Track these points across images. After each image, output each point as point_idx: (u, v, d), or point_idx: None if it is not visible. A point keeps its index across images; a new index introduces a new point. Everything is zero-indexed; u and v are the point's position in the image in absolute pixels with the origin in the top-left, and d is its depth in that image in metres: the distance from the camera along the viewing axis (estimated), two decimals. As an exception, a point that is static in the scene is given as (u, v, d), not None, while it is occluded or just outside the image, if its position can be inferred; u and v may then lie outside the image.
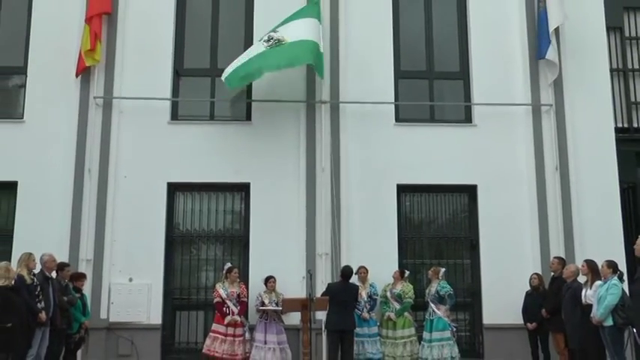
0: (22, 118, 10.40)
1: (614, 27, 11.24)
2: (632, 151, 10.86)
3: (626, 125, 11.05)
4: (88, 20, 10.25)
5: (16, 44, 10.77)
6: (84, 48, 10.18)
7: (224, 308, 9.26)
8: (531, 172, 10.37)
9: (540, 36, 10.49)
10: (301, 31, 9.98)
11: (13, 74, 10.85)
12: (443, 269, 9.65)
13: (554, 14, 10.36)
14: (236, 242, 10.44)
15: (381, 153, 10.38)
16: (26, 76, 10.55)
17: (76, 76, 10.34)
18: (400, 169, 10.34)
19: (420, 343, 9.36)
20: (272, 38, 10.02)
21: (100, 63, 10.39)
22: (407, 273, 9.79)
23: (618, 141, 10.54)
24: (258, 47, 10.03)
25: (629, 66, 11.31)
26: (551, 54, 10.35)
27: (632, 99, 11.21)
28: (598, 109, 10.58)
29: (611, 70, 10.99)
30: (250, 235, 10.17)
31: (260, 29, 10.68)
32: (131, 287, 9.82)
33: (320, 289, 9.43)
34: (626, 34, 11.41)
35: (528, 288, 9.50)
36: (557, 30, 10.56)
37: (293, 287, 9.62)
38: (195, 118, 10.70)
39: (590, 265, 8.27)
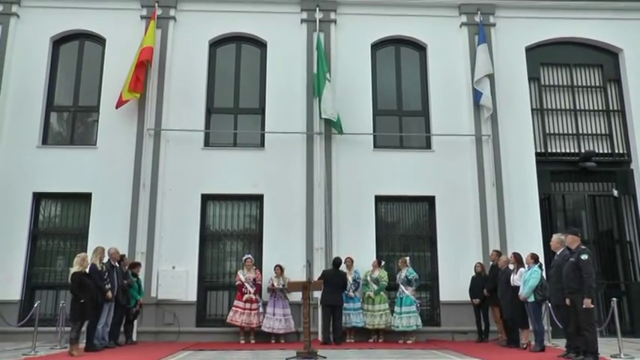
0: (96, 145, 10.52)
1: (533, 77, 11.30)
2: (547, 170, 10.87)
3: (543, 150, 11.04)
4: (138, 65, 10.21)
5: (92, 89, 10.90)
6: (125, 88, 10.12)
7: (243, 289, 9.38)
8: (475, 186, 10.49)
9: (475, 89, 10.72)
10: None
11: (90, 112, 10.94)
12: (407, 257, 9.71)
13: (478, 69, 10.64)
14: (253, 239, 10.40)
15: (362, 172, 10.46)
16: (99, 113, 10.66)
17: (116, 108, 10.24)
18: (377, 183, 10.43)
19: (392, 315, 9.45)
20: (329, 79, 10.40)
21: (152, 103, 10.48)
22: (383, 262, 9.86)
23: (537, 162, 10.74)
24: (332, 90, 10.26)
25: (545, 107, 11.34)
26: (484, 100, 10.57)
27: (547, 131, 11.20)
28: (522, 138, 10.79)
29: (532, 110, 11.09)
30: (264, 234, 10.19)
31: (272, 78, 10.82)
32: (174, 273, 9.89)
33: (317, 275, 9.54)
34: (542, 82, 11.44)
35: (473, 273, 9.67)
36: (492, 80, 10.75)
37: (296, 273, 9.65)
38: (222, 145, 10.73)
39: (516, 256, 8.52)
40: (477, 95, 10.74)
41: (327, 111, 10.28)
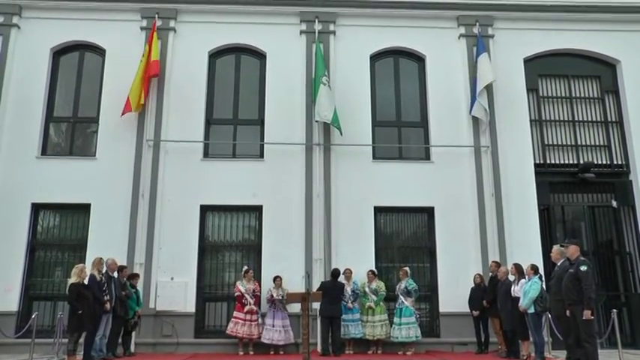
0: (95, 155, 10.54)
1: (532, 89, 11.35)
2: (546, 181, 10.90)
3: (541, 161, 11.07)
4: (145, 79, 10.33)
5: (91, 100, 10.93)
6: (135, 100, 10.16)
7: (243, 300, 9.38)
8: (474, 197, 10.50)
9: (472, 98, 10.80)
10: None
11: (89, 122, 10.97)
12: (407, 268, 9.73)
13: (481, 78, 10.66)
14: (252, 250, 10.39)
15: (361, 183, 10.47)
16: (98, 125, 10.70)
17: (121, 116, 10.23)
18: (376, 194, 10.44)
19: (391, 325, 9.45)
20: (327, 82, 10.43)
21: (151, 114, 10.55)
22: (376, 272, 9.75)
23: (536, 174, 10.77)
24: (327, 92, 10.30)
25: (544, 118, 11.37)
26: (476, 111, 10.60)
27: (546, 142, 11.23)
28: (521, 149, 10.82)
29: (531, 121, 11.13)
30: (263, 245, 10.19)
31: (271, 89, 10.87)
32: (172, 284, 9.87)
33: (315, 286, 9.58)
34: (541, 94, 11.48)
35: (473, 284, 9.68)
36: (491, 91, 10.82)
37: (295, 284, 9.68)
38: (221, 156, 10.75)
39: (517, 267, 8.59)
40: (472, 105, 10.79)
41: (321, 114, 10.29)
